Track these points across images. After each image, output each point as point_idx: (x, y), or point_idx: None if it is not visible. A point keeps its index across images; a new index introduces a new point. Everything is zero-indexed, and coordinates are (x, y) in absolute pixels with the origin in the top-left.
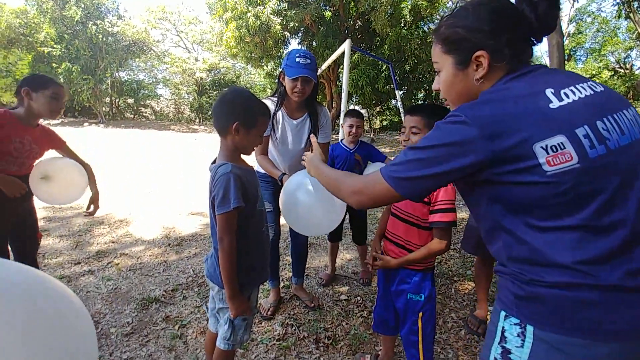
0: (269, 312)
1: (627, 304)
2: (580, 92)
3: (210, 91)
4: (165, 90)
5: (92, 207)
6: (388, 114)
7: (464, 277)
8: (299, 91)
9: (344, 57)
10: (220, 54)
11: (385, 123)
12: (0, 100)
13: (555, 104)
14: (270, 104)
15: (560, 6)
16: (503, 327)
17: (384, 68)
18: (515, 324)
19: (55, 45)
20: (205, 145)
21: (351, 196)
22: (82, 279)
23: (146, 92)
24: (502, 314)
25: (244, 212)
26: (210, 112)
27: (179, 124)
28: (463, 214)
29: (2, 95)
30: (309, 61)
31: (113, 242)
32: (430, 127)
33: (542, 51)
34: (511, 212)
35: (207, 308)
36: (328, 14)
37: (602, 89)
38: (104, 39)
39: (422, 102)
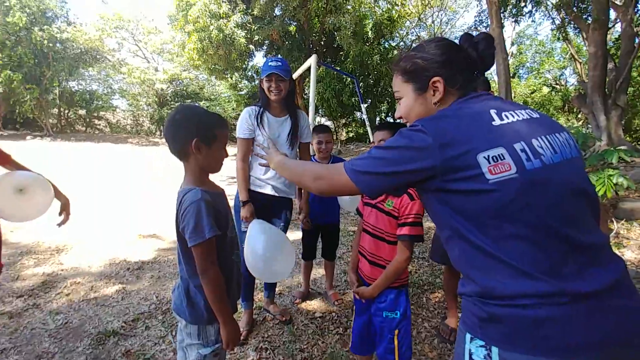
0: (241, 337)
1: (580, 316)
2: (519, 116)
3: (172, 102)
4: (122, 101)
5: (63, 215)
6: (354, 125)
7: (433, 285)
8: (275, 89)
9: (310, 71)
10: (182, 65)
11: (351, 135)
12: None
13: (497, 122)
14: (256, 107)
15: (495, 45)
16: (470, 350)
17: (348, 81)
18: (480, 346)
19: None
20: (167, 158)
21: (313, 182)
22: (26, 314)
23: (100, 103)
24: (468, 336)
25: (217, 240)
26: None
27: (138, 137)
28: (430, 223)
29: None
30: (279, 63)
31: (62, 270)
32: None
33: (491, 69)
34: (464, 220)
35: (173, 340)
36: (293, 28)
37: (538, 115)
38: (51, 45)
39: (385, 113)
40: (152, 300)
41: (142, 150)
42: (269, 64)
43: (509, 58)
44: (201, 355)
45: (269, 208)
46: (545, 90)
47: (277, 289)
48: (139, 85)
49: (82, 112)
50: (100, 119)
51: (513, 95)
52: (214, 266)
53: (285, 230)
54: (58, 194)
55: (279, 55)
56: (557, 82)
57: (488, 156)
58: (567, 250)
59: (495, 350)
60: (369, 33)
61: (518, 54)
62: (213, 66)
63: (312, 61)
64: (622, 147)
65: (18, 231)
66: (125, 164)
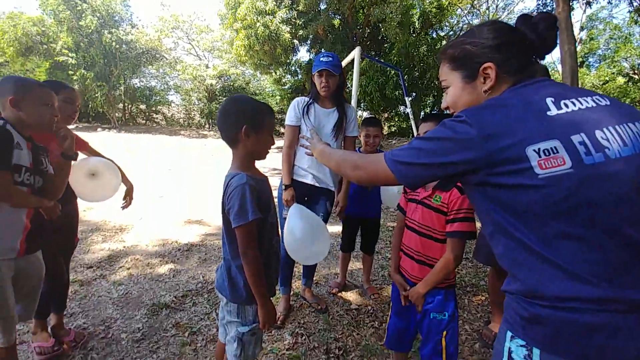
0: (279, 321)
1: (633, 327)
2: (582, 104)
3: (220, 97)
4: (176, 96)
5: (127, 199)
6: (396, 119)
7: (477, 287)
8: (325, 84)
9: (353, 63)
10: (230, 61)
11: (393, 129)
12: None
13: (553, 111)
14: (305, 98)
15: (557, 25)
16: (509, 348)
17: (392, 74)
18: (521, 346)
19: (71, 54)
20: (215, 150)
21: (352, 170)
22: (94, 283)
23: (158, 98)
24: (509, 334)
25: (258, 223)
26: None
27: (189, 129)
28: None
29: None
30: (330, 59)
31: (124, 247)
32: None
33: (554, 58)
34: (509, 216)
35: (217, 317)
36: (337, 22)
37: (608, 102)
38: (118, 46)
39: (430, 107)
40: (199, 279)
41: (191, 142)
42: (321, 59)
43: (577, 45)
44: (239, 332)
45: (309, 198)
46: (621, 80)
47: (314, 278)
48: (191, 81)
49: (143, 106)
50: (158, 113)
51: (581, 86)
52: (254, 248)
53: (325, 221)
54: (125, 180)
55: (323, 50)
56: (636, 71)
57: (539, 149)
58: (631, 253)
59: (536, 352)
60: (416, 23)
61: (588, 40)
62: (259, 61)
63: (355, 53)
64: None
65: (90, 211)
66: (176, 154)
